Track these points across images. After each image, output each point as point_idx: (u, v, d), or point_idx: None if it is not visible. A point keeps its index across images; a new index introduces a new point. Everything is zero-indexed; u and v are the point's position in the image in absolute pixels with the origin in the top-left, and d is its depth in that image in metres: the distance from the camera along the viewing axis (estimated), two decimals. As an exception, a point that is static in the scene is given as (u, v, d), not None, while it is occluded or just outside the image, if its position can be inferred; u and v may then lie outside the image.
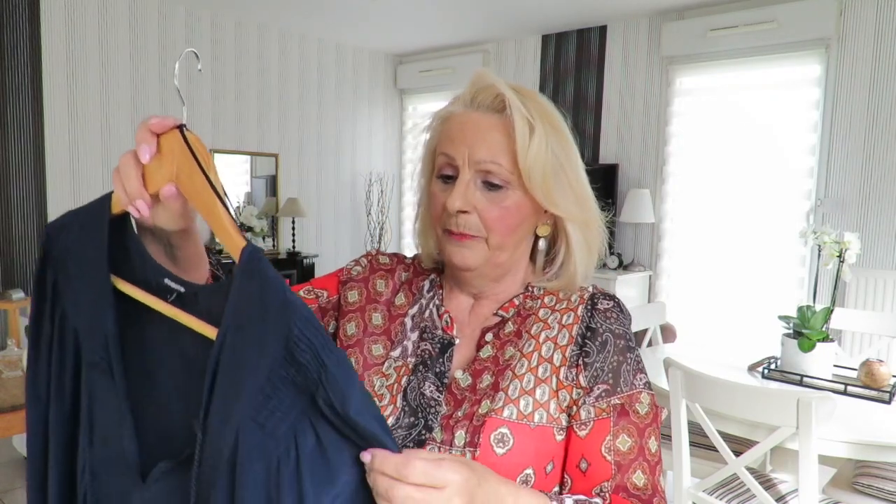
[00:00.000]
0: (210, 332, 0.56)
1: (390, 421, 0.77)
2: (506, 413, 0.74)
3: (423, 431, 0.76)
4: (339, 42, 4.99)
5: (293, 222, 4.70)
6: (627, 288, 3.89)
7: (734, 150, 3.66)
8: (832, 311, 2.01)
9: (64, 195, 3.77)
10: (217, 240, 0.58)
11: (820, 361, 1.97)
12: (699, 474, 1.99)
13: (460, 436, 0.73)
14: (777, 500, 1.73)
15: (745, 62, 3.59)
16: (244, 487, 0.52)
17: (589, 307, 0.81)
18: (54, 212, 3.70)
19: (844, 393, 1.87)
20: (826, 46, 3.35)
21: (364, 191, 5.28)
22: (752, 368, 2.12)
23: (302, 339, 0.54)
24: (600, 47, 4.26)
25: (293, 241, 4.68)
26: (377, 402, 0.67)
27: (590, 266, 0.86)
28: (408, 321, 0.87)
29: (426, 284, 0.90)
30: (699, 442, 2.10)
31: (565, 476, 0.76)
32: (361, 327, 0.87)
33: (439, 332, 0.84)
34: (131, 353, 0.60)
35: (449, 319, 0.85)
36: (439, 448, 0.74)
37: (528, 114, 0.76)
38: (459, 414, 0.76)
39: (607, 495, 0.72)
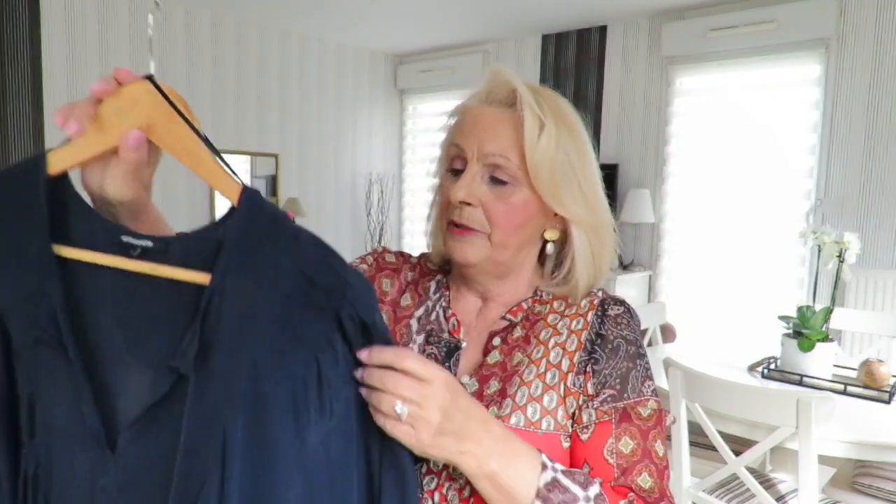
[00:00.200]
0: (198, 277, 0.55)
1: None
2: (513, 420, 0.73)
3: None
4: (340, 42, 4.99)
5: (293, 222, 4.70)
6: (627, 288, 3.89)
7: (734, 150, 3.66)
8: (832, 311, 2.01)
9: (64, 195, 3.77)
10: (212, 187, 0.57)
11: (820, 361, 1.97)
12: (699, 474, 1.99)
13: None
14: (777, 500, 1.73)
15: (745, 62, 3.59)
16: (270, 411, 0.55)
17: (599, 313, 0.80)
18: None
19: (844, 393, 1.87)
20: (826, 46, 3.35)
21: (364, 191, 5.27)
22: (751, 368, 2.12)
23: (321, 263, 0.57)
24: (600, 47, 4.26)
25: (293, 241, 4.68)
26: None
27: (596, 276, 0.83)
28: (413, 323, 0.85)
29: (432, 285, 0.89)
30: (699, 442, 2.10)
31: None
32: None
33: (446, 335, 0.83)
34: (75, 322, 0.56)
35: (456, 322, 0.84)
36: None
37: (540, 111, 0.76)
38: None
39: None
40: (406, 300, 0.88)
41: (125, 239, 0.56)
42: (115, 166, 0.58)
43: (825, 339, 1.98)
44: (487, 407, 0.75)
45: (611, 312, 0.80)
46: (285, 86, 4.70)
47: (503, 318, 0.83)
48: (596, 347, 0.77)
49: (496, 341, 0.81)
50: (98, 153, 0.57)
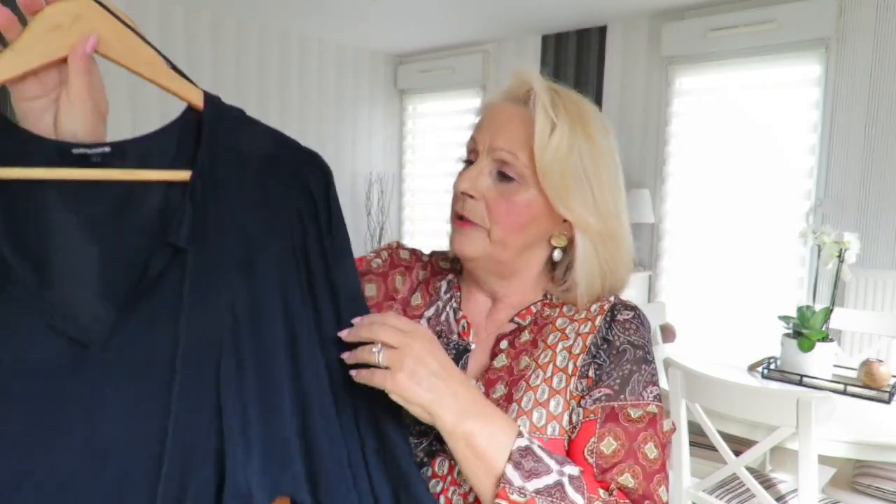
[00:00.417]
0: (177, 176, 0.57)
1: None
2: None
3: (435, 443, 0.74)
4: (340, 42, 4.99)
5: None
6: (627, 288, 3.88)
7: (734, 150, 3.65)
8: (832, 311, 2.01)
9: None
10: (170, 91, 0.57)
11: (820, 361, 1.97)
12: (699, 474, 1.99)
13: None
14: (777, 500, 1.73)
15: (745, 62, 3.59)
16: (271, 277, 0.60)
17: (608, 318, 0.78)
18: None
19: (844, 393, 1.87)
20: (826, 46, 3.35)
21: (364, 191, 5.27)
22: (751, 368, 2.12)
23: (281, 143, 0.64)
24: (600, 47, 4.26)
25: (293, 241, 4.67)
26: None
27: (604, 287, 0.81)
28: (423, 323, 0.85)
29: (443, 285, 0.88)
30: (699, 442, 2.10)
31: None
32: None
33: (455, 337, 0.82)
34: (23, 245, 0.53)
35: (466, 324, 0.83)
36: (450, 462, 0.73)
37: (554, 112, 0.74)
38: None
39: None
40: (416, 300, 0.87)
41: (77, 151, 0.54)
42: (68, 96, 0.55)
43: (825, 339, 1.98)
44: None
45: (619, 318, 0.78)
46: (285, 86, 4.70)
47: (511, 320, 0.82)
48: (600, 352, 0.76)
49: (503, 345, 0.80)
50: (39, 66, 0.53)
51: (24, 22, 0.54)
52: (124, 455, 0.52)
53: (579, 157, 0.76)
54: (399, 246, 0.93)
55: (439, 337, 0.82)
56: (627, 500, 0.68)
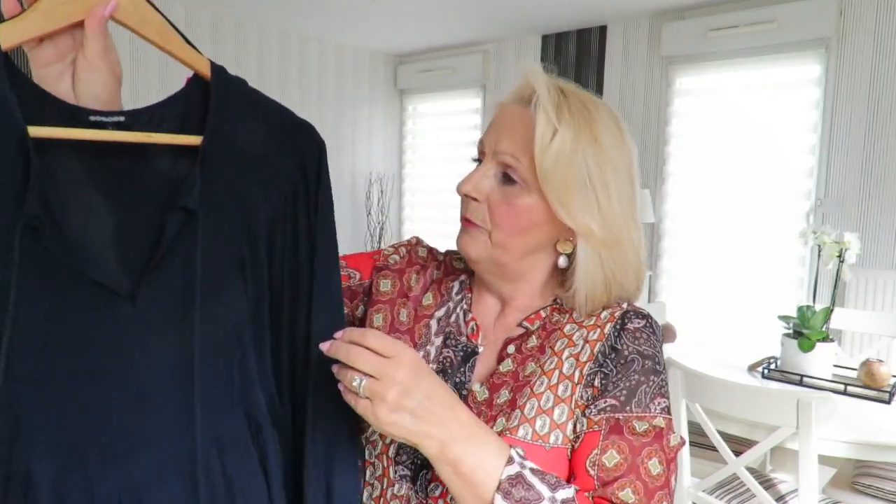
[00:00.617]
0: (189, 140, 0.60)
1: None
2: (520, 433, 0.71)
3: None
4: (339, 42, 4.99)
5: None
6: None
7: (734, 150, 3.65)
8: (832, 311, 2.01)
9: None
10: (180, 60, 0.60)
11: (820, 361, 1.97)
12: (699, 474, 1.99)
13: None
14: (777, 500, 1.73)
15: (745, 62, 3.59)
16: (259, 241, 0.65)
17: (618, 326, 0.76)
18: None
19: (844, 393, 1.87)
20: (826, 46, 3.34)
21: (364, 191, 5.27)
22: (752, 368, 2.12)
23: (280, 113, 0.68)
24: (600, 47, 4.26)
25: (293, 241, 4.67)
26: None
27: (609, 296, 0.78)
28: (433, 324, 0.84)
29: (455, 286, 0.87)
30: (699, 442, 2.10)
31: None
32: (388, 321, 0.84)
33: (464, 338, 0.81)
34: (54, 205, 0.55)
35: (475, 327, 0.82)
36: None
37: (557, 115, 0.72)
38: None
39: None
40: (428, 299, 0.87)
41: (94, 118, 0.58)
42: (86, 58, 0.58)
43: (825, 339, 1.98)
44: (496, 417, 0.73)
45: (630, 326, 0.76)
46: (285, 86, 4.70)
47: (520, 325, 0.81)
48: (607, 360, 0.73)
49: (510, 349, 0.79)
50: (62, 27, 0.56)
51: None
52: (159, 395, 0.58)
53: (584, 163, 0.73)
54: (418, 242, 0.93)
55: (448, 338, 0.82)
56: None
